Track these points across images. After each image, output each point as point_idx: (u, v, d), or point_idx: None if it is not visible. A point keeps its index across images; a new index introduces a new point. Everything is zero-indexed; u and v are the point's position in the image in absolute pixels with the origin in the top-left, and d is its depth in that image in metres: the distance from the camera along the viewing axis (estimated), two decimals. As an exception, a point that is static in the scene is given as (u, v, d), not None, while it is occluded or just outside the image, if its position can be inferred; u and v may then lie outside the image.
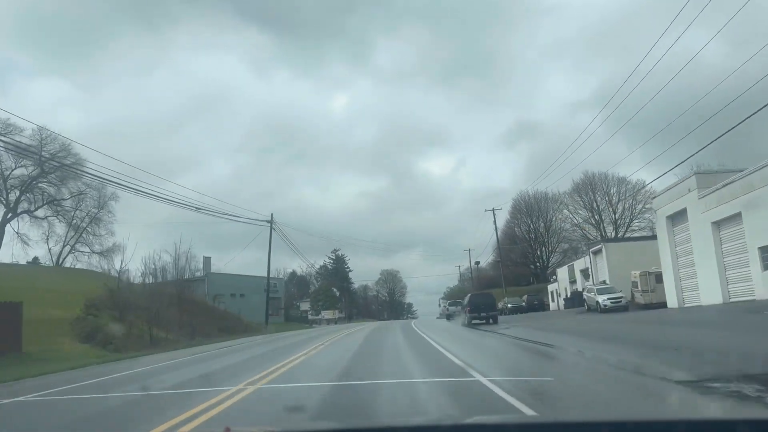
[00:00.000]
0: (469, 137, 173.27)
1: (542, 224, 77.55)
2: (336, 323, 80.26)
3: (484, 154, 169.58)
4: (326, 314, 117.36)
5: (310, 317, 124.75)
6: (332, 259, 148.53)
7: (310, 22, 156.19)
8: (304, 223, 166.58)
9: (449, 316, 54.14)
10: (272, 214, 46.87)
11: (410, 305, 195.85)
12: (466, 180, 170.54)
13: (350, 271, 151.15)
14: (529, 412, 6.25)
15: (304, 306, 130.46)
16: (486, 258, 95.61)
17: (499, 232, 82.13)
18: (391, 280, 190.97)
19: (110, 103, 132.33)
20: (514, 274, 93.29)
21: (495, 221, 72.18)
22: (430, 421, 3.15)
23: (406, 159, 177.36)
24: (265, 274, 57.07)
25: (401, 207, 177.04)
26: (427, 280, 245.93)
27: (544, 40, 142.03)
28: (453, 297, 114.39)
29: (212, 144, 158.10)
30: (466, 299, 34.67)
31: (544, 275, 78.99)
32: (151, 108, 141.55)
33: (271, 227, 46.51)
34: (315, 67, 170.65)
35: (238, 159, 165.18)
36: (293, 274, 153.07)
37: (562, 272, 51.61)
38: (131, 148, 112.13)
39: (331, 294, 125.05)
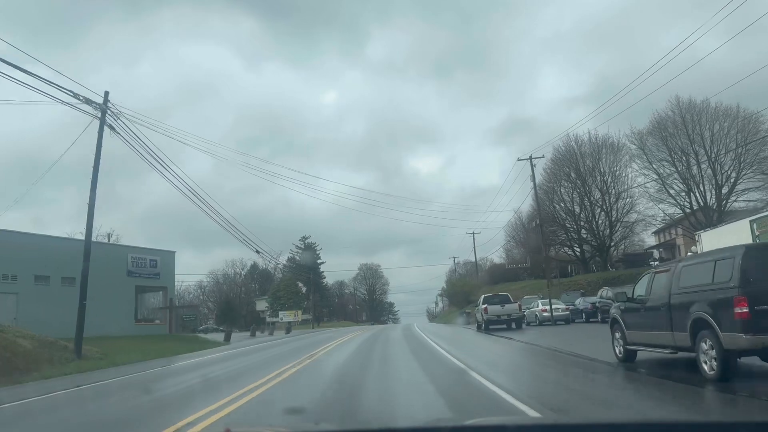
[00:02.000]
0: (460, 133, 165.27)
1: (600, 181, 51.41)
2: (287, 333, 52.68)
3: (475, 151, 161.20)
4: (285, 316, 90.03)
5: (268, 319, 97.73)
6: (300, 248, 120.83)
7: (301, 8, 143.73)
8: (290, 217, 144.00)
9: (486, 324, 28.11)
10: (106, 92, 20.00)
11: (391, 305, 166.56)
12: (455, 177, 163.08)
13: (322, 262, 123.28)
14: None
15: (261, 305, 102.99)
16: (494, 247, 70.48)
17: (526, 204, 56.32)
18: (371, 276, 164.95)
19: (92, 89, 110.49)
20: (541, 261, 67.49)
21: (533, 172, 46.28)
22: (430, 423, 3.06)
23: (394, 154, 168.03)
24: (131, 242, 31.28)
25: (387, 203, 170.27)
26: (410, 278, 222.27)
27: (542, 33, 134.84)
28: (455, 292, 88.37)
29: (193, 134, 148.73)
30: (665, 277, 8.14)
31: (603, 258, 53.03)
32: (132, 96, 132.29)
33: (103, 119, 19.66)
34: (305, 58, 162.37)
35: (220, 150, 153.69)
36: (254, 266, 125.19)
37: (720, 237, 25.55)
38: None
39: (294, 290, 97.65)
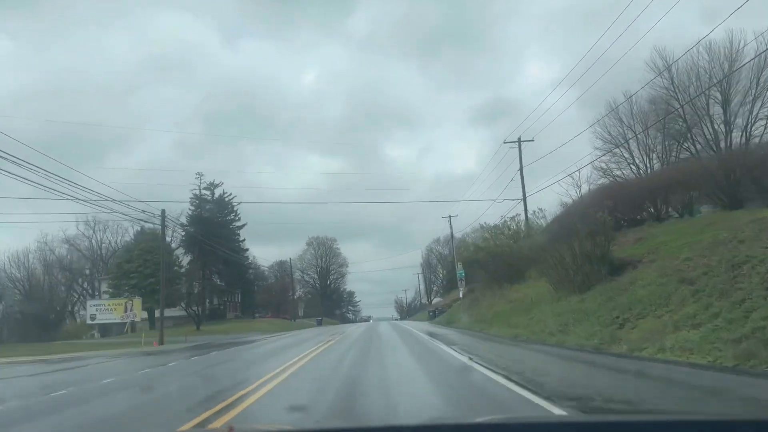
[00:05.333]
0: (440, 118, 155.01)
1: None
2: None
3: (454, 139, 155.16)
4: (105, 310, 45.12)
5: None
6: (203, 198, 73.24)
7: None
8: (272, 208, 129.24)
9: None
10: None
11: (352, 294, 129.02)
12: (431, 166, 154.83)
13: (242, 225, 76.38)
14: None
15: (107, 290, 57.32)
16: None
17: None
18: (326, 255, 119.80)
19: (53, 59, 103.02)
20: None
21: None
22: (433, 421, 2.92)
23: (371, 136, 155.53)
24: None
25: (359, 190, 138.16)
26: (375, 266, 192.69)
27: (534, 12, 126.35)
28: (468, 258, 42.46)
29: (159, 111, 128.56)
30: None
31: None
32: (94, 67, 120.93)
33: None
34: (284, 30, 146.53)
35: (186, 128, 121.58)
36: (141, 233, 77.14)
37: None
38: (72, 110, 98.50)
39: (161, 261, 51.37)
